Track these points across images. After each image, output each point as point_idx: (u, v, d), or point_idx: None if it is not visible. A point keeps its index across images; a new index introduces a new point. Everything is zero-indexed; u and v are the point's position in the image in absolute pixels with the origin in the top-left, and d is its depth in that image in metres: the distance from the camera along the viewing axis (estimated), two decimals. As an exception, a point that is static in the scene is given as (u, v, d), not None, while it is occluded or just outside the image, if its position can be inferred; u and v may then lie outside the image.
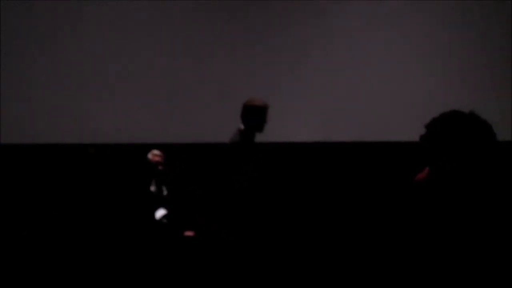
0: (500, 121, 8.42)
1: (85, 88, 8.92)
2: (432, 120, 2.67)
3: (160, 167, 7.72)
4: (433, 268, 2.53)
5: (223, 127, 8.95)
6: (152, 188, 7.72)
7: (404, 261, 2.65)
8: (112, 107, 8.96)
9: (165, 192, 7.76)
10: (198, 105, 9.02)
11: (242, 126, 6.54)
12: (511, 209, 2.56)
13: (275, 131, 8.92)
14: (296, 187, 8.66)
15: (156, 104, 9.00)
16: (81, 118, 8.83)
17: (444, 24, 9.18)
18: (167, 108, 9.02)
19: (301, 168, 8.69)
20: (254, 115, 6.51)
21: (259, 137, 6.61)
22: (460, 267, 2.50)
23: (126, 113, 8.96)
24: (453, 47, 9.18)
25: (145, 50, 9.06)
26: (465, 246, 2.52)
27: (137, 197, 7.64)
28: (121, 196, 7.73)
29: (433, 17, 9.19)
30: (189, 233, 7.57)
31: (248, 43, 9.15)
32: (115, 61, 9.01)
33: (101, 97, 8.98)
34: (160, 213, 7.56)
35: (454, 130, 2.56)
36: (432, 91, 9.00)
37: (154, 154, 7.79)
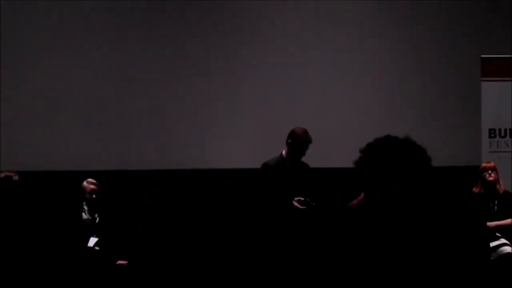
0: (439, 147, 8.53)
1: (11, 113, 8.72)
2: (367, 145, 2.64)
3: (94, 196, 7.63)
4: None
5: (157, 155, 8.89)
6: (85, 216, 7.61)
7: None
8: (46, 134, 8.80)
9: (97, 220, 7.64)
10: (131, 132, 8.91)
11: (284, 151, 7.02)
12: (443, 234, 2.54)
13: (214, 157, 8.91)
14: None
15: (89, 131, 8.87)
16: (11, 144, 8.64)
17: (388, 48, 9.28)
18: (100, 136, 8.89)
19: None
20: (294, 142, 6.93)
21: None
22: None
23: (60, 140, 8.80)
24: (396, 70, 9.27)
25: (76, 78, 8.93)
26: (399, 273, 2.49)
27: (69, 225, 7.51)
28: (53, 224, 7.58)
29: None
30: (122, 262, 7.48)
31: (181, 68, 9.09)
32: (46, 86, 8.86)
33: (33, 123, 8.81)
34: (93, 241, 7.46)
35: (388, 155, 2.53)
36: (367, 116, 9.05)
37: (89, 182, 7.69)
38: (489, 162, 7.74)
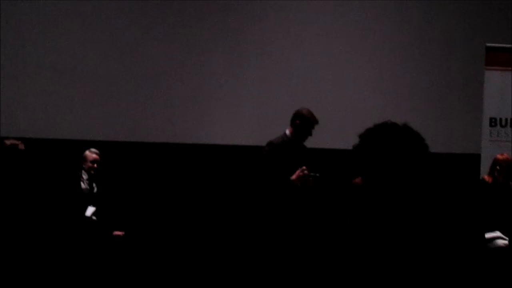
0: (440, 133, 8.54)
1: (12, 80, 8.72)
2: (366, 131, 2.66)
3: (95, 165, 7.64)
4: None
5: (157, 128, 8.91)
6: (83, 186, 7.62)
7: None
8: (46, 102, 8.81)
9: (95, 190, 7.66)
10: (132, 104, 8.92)
11: (288, 131, 6.95)
12: (439, 220, 2.56)
13: (208, 133, 8.94)
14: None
15: (91, 101, 8.88)
16: (13, 112, 8.65)
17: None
18: (102, 106, 8.90)
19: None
20: (302, 124, 6.89)
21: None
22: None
23: (60, 109, 8.81)
24: (400, 57, 9.26)
25: (81, 46, 8.92)
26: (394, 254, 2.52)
27: (67, 194, 7.53)
28: (51, 192, 7.60)
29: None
30: (118, 233, 7.51)
31: (183, 44, 9.09)
32: (50, 55, 8.86)
33: (35, 92, 8.81)
34: (90, 210, 7.48)
35: (386, 141, 2.56)
36: (371, 101, 9.07)
37: (91, 152, 7.70)
38: (503, 154, 7.67)
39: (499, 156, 7.63)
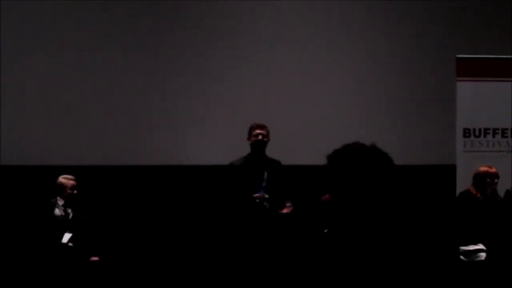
0: (414, 145, 8.53)
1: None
2: (333, 152, 2.66)
3: (75, 192, 7.55)
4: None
5: (132, 150, 8.87)
6: (58, 212, 7.54)
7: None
8: (15, 128, 8.76)
9: (70, 216, 7.58)
10: (104, 128, 8.89)
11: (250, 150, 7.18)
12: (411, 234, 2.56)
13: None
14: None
15: (63, 126, 8.84)
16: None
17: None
18: (75, 131, 8.87)
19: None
20: (248, 136, 7.14)
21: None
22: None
23: (30, 135, 8.76)
24: (372, 69, 9.29)
25: (49, 70, 8.89)
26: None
27: (42, 221, 7.46)
28: (25, 220, 7.53)
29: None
30: (95, 258, 7.44)
31: (161, 67, 9.08)
32: (19, 79, 8.83)
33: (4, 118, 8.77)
34: (66, 237, 7.40)
35: (353, 162, 2.56)
36: (344, 114, 9.08)
37: (67, 178, 7.59)
38: (491, 166, 7.65)
39: (488, 169, 7.59)
